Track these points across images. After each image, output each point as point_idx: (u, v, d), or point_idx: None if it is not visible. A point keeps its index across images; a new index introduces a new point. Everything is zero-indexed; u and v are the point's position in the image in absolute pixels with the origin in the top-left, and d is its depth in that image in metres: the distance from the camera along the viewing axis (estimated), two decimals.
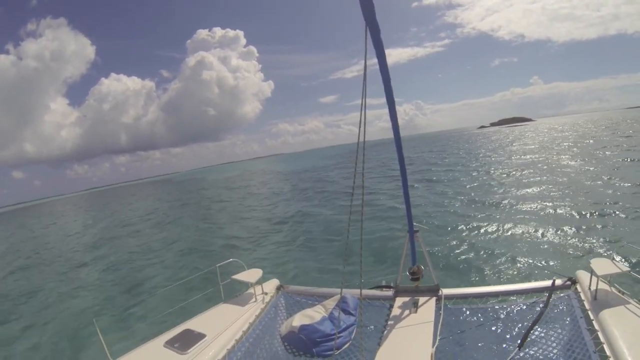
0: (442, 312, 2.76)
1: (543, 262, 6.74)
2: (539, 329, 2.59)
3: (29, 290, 10.98)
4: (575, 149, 27.45)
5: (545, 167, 19.53)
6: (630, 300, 2.35)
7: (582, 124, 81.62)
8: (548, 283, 2.86)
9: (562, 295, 2.78)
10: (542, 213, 10.17)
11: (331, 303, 3.00)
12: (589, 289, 2.53)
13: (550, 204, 10.97)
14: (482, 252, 7.53)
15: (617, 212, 9.20)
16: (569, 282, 2.82)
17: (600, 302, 2.39)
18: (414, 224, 3.06)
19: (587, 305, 2.45)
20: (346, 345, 2.69)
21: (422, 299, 2.97)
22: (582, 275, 2.76)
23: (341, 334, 2.68)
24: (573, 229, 8.36)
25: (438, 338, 2.37)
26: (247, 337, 2.83)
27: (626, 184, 12.29)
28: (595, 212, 9.38)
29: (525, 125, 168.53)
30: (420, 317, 2.73)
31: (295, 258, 9.57)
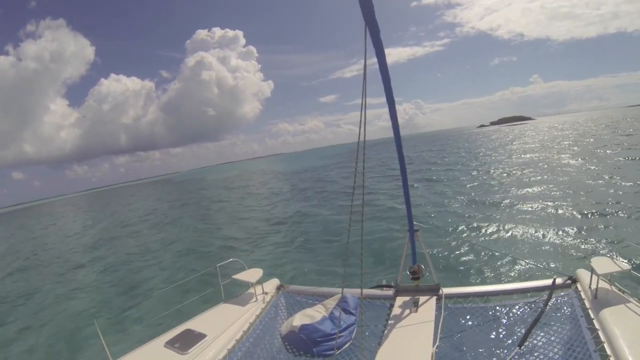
0: (442, 311, 2.76)
1: (544, 262, 6.73)
2: (539, 328, 2.59)
3: (27, 292, 10.96)
4: (575, 147, 27.42)
5: (545, 166, 19.50)
6: (631, 299, 2.35)
7: (582, 122, 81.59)
8: (548, 282, 2.86)
9: (562, 294, 2.78)
10: (542, 213, 10.15)
11: (331, 303, 3.00)
12: (590, 287, 2.53)
13: (551, 203, 10.94)
14: (482, 253, 7.50)
15: (618, 212, 9.16)
16: (569, 281, 2.82)
17: (601, 301, 2.39)
18: (414, 223, 3.06)
19: (587, 304, 2.45)
20: (347, 345, 2.69)
21: (422, 299, 2.97)
22: (583, 274, 2.76)
23: (342, 334, 2.68)
24: (574, 228, 8.34)
25: (439, 337, 2.37)
26: (247, 337, 2.83)
27: (628, 184, 12.24)
28: (596, 212, 9.36)
29: (525, 124, 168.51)
30: (420, 317, 2.73)
31: (293, 259, 9.50)
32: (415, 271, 3.17)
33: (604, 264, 2.51)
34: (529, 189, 13.57)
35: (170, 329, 2.79)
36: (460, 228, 9.63)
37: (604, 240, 7.40)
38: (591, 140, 32.11)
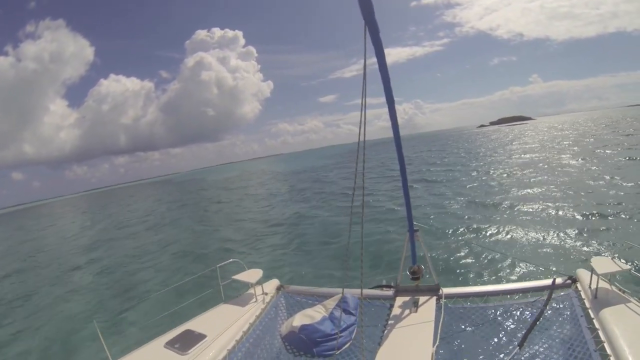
0: (442, 311, 2.76)
1: (544, 262, 6.70)
2: (539, 328, 2.59)
3: (23, 294, 10.93)
4: (575, 147, 27.41)
5: (545, 166, 19.50)
6: (631, 299, 2.35)
7: (582, 122, 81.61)
8: (548, 282, 2.86)
9: (562, 294, 2.78)
10: (542, 213, 10.12)
11: (331, 303, 3.00)
12: (590, 287, 2.53)
13: (551, 204, 10.92)
14: (482, 254, 7.48)
15: (619, 213, 9.13)
16: (569, 281, 2.82)
17: (601, 300, 2.39)
18: (414, 223, 3.06)
19: (587, 304, 2.45)
20: (347, 345, 2.69)
21: (422, 299, 2.97)
22: (583, 274, 2.76)
23: (342, 334, 2.68)
24: (574, 229, 8.31)
25: (438, 337, 2.37)
26: (247, 337, 2.83)
27: (629, 184, 12.20)
28: (596, 213, 9.33)
29: (525, 124, 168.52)
30: (420, 317, 2.72)
31: (290, 262, 9.42)
32: (415, 271, 3.17)
33: (604, 264, 2.51)
34: (529, 190, 13.55)
35: (170, 329, 2.79)
36: (459, 229, 9.60)
37: (603, 241, 7.38)
38: (591, 140, 32.11)
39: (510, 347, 2.61)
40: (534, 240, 8.08)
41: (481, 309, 2.91)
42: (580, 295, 2.63)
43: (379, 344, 2.51)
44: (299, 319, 2.80)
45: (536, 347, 2.53)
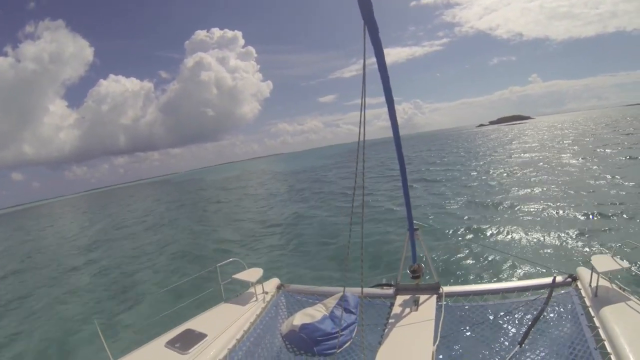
0: (443, 310, 2.76)
1: (544, 262, 6.69)
2: (539, 327, 2.59)
3: (21, 295, 10.90)
4: (576, 146, 27.43)
5: (546, 165, 19.49)
6: (631, 297, 2.35)
7: (582, 121, 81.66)
8: (548, 280, 2.86)
9: (562, 292, 2.78)
10: (543, 213, 10.11)
11: (332, 302, 3.00)
12: (590, 285, 2.53)
13: (552, 203, 10.90)
14: (482, 253, 7.48)
15: (619, 212, 9.12)
16: (569, 279, 2.82)
17: (601, 299, 2.39)
18: (414, 222, 3.06)
19: (587, 302, 2.45)
20: (347, 344, 2.69)
21: (422, 297, 2.97)
22: (583, 272, 2.76)
23: (342, 333, 2.68)
24: (575, 228, 8.30)
25: (439, 336, 2.37)
26: (248, 336, 2.84)
27: (630, 183, 12.19)
28: (597, 212, 9.32)
29: (525, 124, 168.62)
30: (421, 315, 2.73)
31: (288, 263, 9.34)
32: (415, 270, 3.16)
33: (604, 262, 2.51)
34: (529, 189, 13.54)
35: (171, 329, 2.80)
36: (459, 229, 9.59)
37: (604, 241, 7.37)
38: (591, 139, 32.14)
39: (511, 345, 2.62)
40: (534, 240, 8.07)
41: (482, 307, 2.92)
42: (580, 293, 2.63)
43: (380, 343, 2.51)
44: (300, 318, 2.81)
45: (536, 346, 2.53)
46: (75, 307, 8.87)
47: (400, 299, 3.04)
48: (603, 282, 2.52)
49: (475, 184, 16.80)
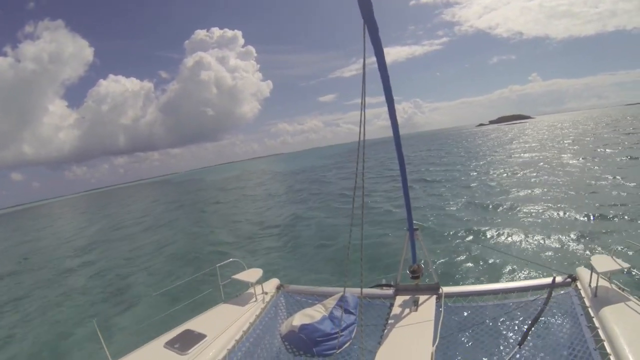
0: (442, 310, 2.76)
1: (544, 263, 6.67)
2: (539, 327, 2.59)
3: (16, 297, 10.87)
4: (576, 146, 27.44)
5: (546, 166, 19.46)
6: (631, 297, 2.35)
7: (582, 121, 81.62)
8: (548, 280, 2.86)
9: (562, 292, 2.77)
10: (543, 213, 10.08)
11: (331, 302, 2.99)
12: (589, 286, 2.53)
13: (552, 204, 10.88)
14: (482, 254, 7.46)
15: (620, 212, 9.10)
16: (569, 280, 2.82)
17: (601, 299, 2.39)
18: (414, 222, 3.05)
19: (587, 303, 2.45)
20: (347, 345, 2.69)
21: (422, 298, 2.96)
22: (583, 272, 2.76)
23: (342, 333, 2.67)
24: (575, 229, 8.29)
25: (438, 336, 2.36)
26: (247, 337, 2.83)
27: (631, 184, 12.14)
28: (597, 212, 9.31)
29: (524, 123, 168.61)
30: (420, 316, 2.72)
31: (285, 266, 9.26)
32: (415, 270, 3.16)
33: (603, 262, 2.51)
34: (529, 190, 13.50)
35: (170, 329, 2.79)
36: (459, 230, 9.56)
37: (605, 241, 7.35)
38: (591, 138, 32.14)
39: (510, 345, 2.61)
40: (534, 241, 8.05)
41: (481, 307, 2.91)
42: (580, 293, 2.63)
43: (379, 343, 2.51)
44: (299, 319, 2.80)
45: (536, 346, 2.53)
46: (70, 310, 8.83)
47: (399, 299, 3.03)
48: (603, 283, 2.51)
49: (475, 184, 16.77)
